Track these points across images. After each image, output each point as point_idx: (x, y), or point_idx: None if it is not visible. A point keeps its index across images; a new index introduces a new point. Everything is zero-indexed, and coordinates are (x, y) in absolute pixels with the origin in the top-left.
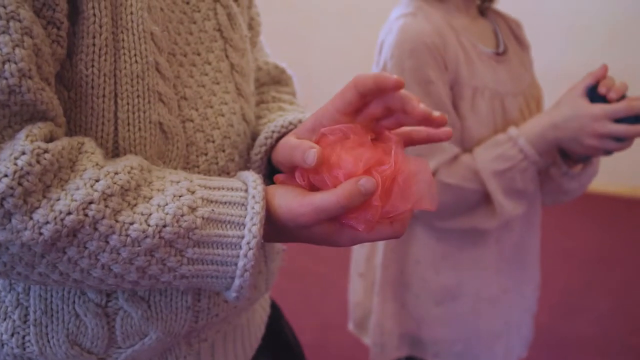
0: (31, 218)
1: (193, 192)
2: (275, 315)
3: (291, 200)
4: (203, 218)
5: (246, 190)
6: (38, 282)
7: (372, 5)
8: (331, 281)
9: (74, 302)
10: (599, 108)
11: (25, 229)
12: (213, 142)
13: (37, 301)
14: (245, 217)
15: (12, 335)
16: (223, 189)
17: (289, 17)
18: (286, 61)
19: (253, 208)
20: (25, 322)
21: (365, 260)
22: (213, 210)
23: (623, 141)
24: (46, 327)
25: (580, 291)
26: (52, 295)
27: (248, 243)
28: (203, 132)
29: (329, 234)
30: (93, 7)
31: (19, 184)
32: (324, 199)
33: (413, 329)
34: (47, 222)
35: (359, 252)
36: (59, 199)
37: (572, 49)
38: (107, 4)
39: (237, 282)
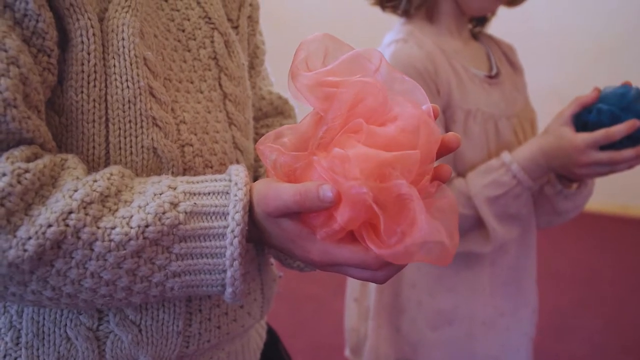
0: (15, 236)
1: (175, 188)
2: (272, 342)
3: (264, 186)
4: (186, 213)
5: (230, 180)
6: (34, 302)
7: (363, 30)
8: (324, 303)
9: (65, 325)
10: (581, 139)
11: (10, 247)
12: (211, 167)
13: (29, 324)
14: (228, 206)
15: (4, 357)
16: (206, 180)
17: (279, 40)
18: (275, 83)
19: (235, 195)
20: (17, 344)
21: (361, 285)
22: (195, 203)
23: (614, 165)
24: (37, 349)
25: (572, 311)
26: (44, 318)
27: (232, 231)
28: (202, 157)
29: (299, 235)
30: (81, 35)
31: (1, 205)
32: (286, 188)
33: (409, 353)
34: (30, 238)
35: None
36: (39, 214)
37: (561, 69)
38: (97, 31)
39: (228, 273)
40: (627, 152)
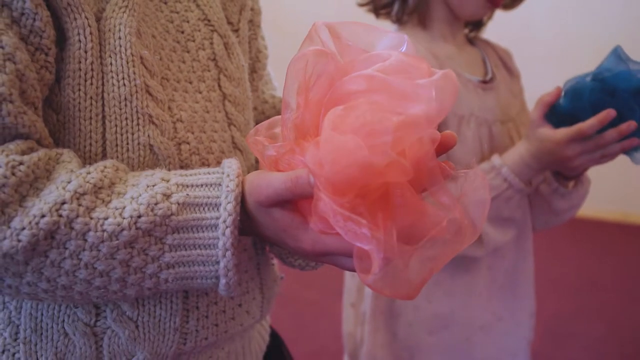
0: (9, 227)
1: (168, 180)
2: (276, 345)
3: (256, 176)
4: (178, 203)
5: (223, 172)
6: (30, 295)
7: None
8: (325, 308)
9: (63, 320)
10: (561, 134)
11: (5, 238)
12: (208, 165)
13: (27, 319)
14: (220, 197)
15: (3, 352)
16: (199, 173)
17: (282, 45)
18: (278, 88)
19: (227, 186)
20: (15, 339)
21: (357, 290)
22: (188, 194)
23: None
24: (35, 345)
25: (572, 317)
26: (42, 314)
27: (224, 221)
28: (199, 155)
29: (290, 225)
30: (78, 34)
31: None
32: (277, 176)
33: (406, 358)
34: (24, 228)
35: (351, 281)
36: (33, 205)
37: (561, 75)
38: (94, 30)
39: (221, 264)
40: (610, 133)
